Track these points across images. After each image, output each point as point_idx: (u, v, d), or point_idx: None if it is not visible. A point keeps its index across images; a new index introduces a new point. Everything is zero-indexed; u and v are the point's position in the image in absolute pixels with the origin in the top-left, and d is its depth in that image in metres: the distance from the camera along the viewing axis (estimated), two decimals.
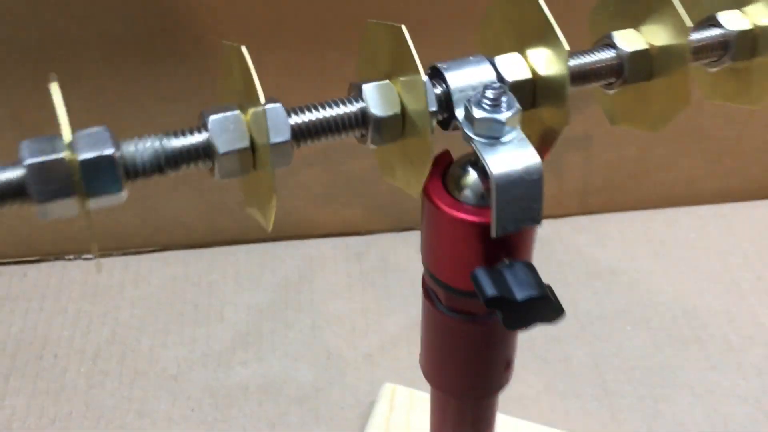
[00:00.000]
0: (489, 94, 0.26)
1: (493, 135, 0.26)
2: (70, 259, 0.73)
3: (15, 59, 0.65)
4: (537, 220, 0.27)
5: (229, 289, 0.72)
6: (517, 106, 0.27)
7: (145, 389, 0.64)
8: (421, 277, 0.33)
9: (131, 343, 0.67)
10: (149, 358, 0.66)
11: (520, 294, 0.26)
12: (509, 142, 0.26)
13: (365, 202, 0.76)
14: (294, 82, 0.70)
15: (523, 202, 0.26)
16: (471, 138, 0.27)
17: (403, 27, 0.25)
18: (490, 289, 0.26)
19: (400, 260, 0.75)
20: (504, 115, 0.26)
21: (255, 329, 0.68)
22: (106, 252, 0.73)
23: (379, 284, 0.73)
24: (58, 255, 0.72)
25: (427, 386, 0.38)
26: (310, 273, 0.73)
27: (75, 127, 0.67)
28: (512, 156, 0.26)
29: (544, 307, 0.27)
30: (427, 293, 0.32)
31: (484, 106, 0.26)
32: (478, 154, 0.26)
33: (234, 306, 0.70)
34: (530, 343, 0.67)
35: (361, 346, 0.67)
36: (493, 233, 0.27)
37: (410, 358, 0.66)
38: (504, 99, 0.26)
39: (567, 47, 0.27)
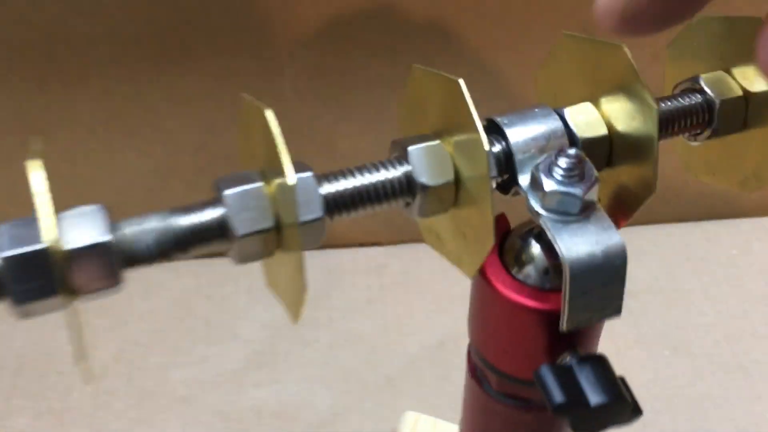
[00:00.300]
0: (563, 162, 0.22)
1: (567, 211, 0.22)
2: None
3: (19, 58, 0.61)
4: (617, 312, 0.22)
5: (242, 303, 0.68)
6: (595, 174, 0.22)
7: (154, 411, 0.60)
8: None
9: (139, 361, 0.63)
10: (158, 377, 0.62)
11: (594, 399, 0.22)
12: (585, 218, 0.22)
13: (386, 211, 0.72)
14: (315, 83, 0.65)
15: (603, 291, 0.22)
16: (539, 213, 0.22)
17: (461, 82, 0.21)
18: (559, 395, 0.22)
19: (422, 273, 0.71)
20: (581, 189, 0.22)
21: (269, 348, 0.65)
22: None
23: (401, 300, 0.69)
24: None
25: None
26: (327, 287, 0.69)
27: (82, 128, 0.63)
28: (590, 237, 0.22)
29: (620, 408, 0.23)
30: (474, 372, 0.28)
31: (556, 176, 0.22)
32: (548, 234, 0.22)
33: (248, 322, 0.66)
34: None
35: (382, 368, 0.63)
36: (563, 327, 0.22)
37: (433, 382, 0.62)
38: (581, 168, 0.22)
39: (655, 105, 0.22)
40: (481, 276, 0.24)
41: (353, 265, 0.71)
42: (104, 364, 0.63)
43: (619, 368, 0.63)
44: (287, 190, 0.20)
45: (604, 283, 0.22)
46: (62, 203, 0.66)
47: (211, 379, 0.62)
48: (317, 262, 0.71)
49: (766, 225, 0.75)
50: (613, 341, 0.65)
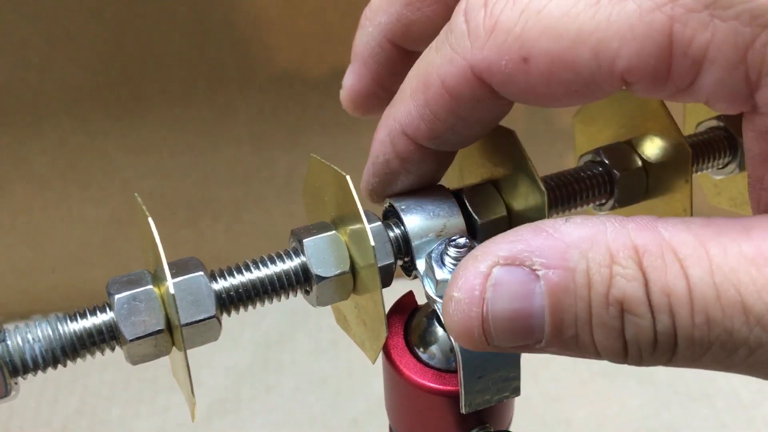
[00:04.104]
0: (452, 252, 0.22)
1: None
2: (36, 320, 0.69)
3: None
4: (516, 393, 0.23)
5: (206, 349, 0.67)
6: None
7: None
8: None
9: (101, 413, 0.63)
10: (120, 429, 0.62)
11: None
12: None
13: None
14: (271, 126, 0.66)
15: (498, 375, 0.22)
16: (433, 299, 0.22)
17: (348, 178, 0.21)
18: None
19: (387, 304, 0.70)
20: None
21: (233, 394, 0.64)
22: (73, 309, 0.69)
23: None
24: (25, 315, 0.68)
25: None
26: (292, 329, 0.69)
27: (38, 181, 0.64)
28: None
29: None
30: None
31: (447, 264, 0.22)
32: (442, 320, 0.22)
33: (211, 369, 0.66)
34: (527, 404, 0.63)
35: (347, 411, 0.63)
36: (463, 410, 0.22)
37: None
38: None
39: (544, 189, 0.22)
40: (386, 357, 0.24)
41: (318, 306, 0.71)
42: (66, 417, 0.62)
43: (585, 400, 0.63)
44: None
45: (497, 367, 0.22)
46: (22, 256, 0.65)
47: (175, 429, 0.62)
48: (282, 304, 0.71)
49: None
50: (578, 373, 0.65)
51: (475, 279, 0.19)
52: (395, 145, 0.22)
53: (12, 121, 0.62)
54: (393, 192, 0.24)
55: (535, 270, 0.18)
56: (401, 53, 0.25)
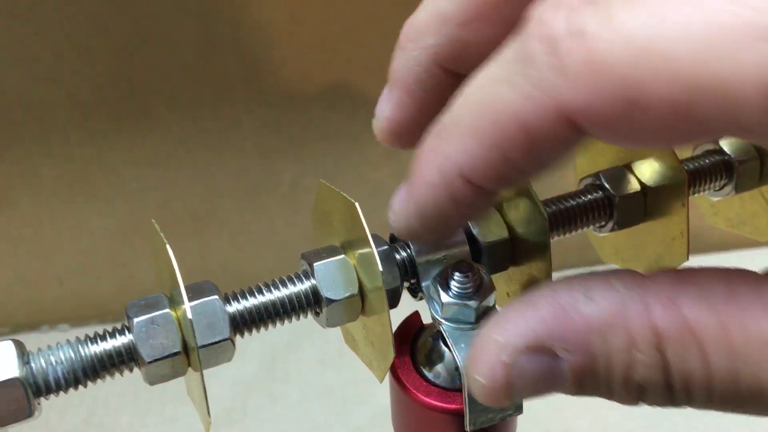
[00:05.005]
0: (457, 276, 0.23)
1: (464, 320, 0.23)
2: (45, 331, 0.70)
3: None
4: (519, 411, 0.23)
5: None
6: (490, 285, 0.23)
7: None
8: None
9: (109, 423, 0.64)
10: None
11: None
12: (483, 327, 0.23)
13: None
14: (275, 138, 0.66)
15: None
16: (439, 321, 0.23)
17: (357, 205, 0.22)
18: None
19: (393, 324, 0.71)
20: (475, 301, 0.23)
21: (240, 404, 0.65)
22: (82, 321, 0.70)
23: None
24: (32, 326, 0.69)
25: None
26: (298, 340, 0.70)
27: (46, 193, 0.64)
28: None
29: None
30: None
31: (452, 288, 0.23)
32: (448, 342, 0.23)
33: (218, 379, 0.67)
34: (529, 414, 0.63)
35: (353, 420, 0.64)
36: (467, 428, 0.23)
37: None
38: (475, 281, 0.23)
39: (546, 215, 0.23)
40: (393, 375, 0.25)
41: None
42: (75, 427, 0.63)
43: (586, 409, 0.63)
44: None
45: None
46: (29, 267, 0.66)
47: None
48: None
49: (728, 260, 0.76)
50: None
51: (500, 369, 0.19)
52: (450, 188, 0.19)
53: (20, 134, 0.63)
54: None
55: (557, 354, 0.19)
56: (453, 78, 0.22)
